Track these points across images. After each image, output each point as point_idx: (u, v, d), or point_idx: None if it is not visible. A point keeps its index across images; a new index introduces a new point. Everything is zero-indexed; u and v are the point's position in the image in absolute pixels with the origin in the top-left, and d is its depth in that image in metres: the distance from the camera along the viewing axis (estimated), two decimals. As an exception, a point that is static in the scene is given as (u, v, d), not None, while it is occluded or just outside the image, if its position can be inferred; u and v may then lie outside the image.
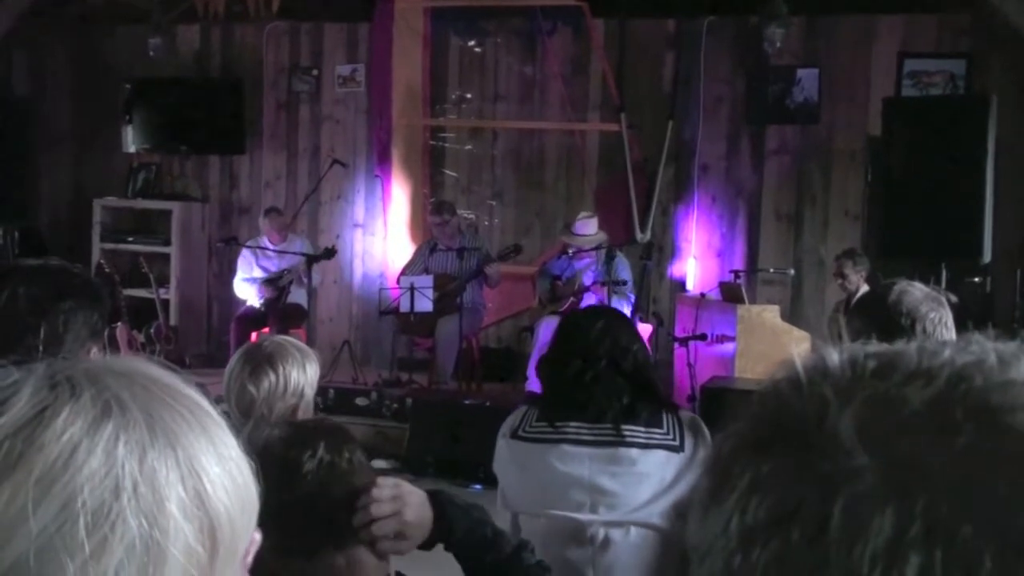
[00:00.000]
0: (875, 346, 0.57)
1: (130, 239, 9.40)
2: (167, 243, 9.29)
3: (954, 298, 3.08)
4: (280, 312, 7.98)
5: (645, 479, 2.55)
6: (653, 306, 8.31)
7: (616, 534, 2.54)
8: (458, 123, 9.02)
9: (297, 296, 8.09)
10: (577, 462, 2.58)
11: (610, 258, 7.19)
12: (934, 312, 2.52)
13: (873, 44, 7.97)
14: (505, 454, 2.71)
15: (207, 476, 0.69)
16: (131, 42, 9.42)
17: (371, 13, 8.95)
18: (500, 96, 8.89)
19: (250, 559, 0.76)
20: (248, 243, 8.43)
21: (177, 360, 8.26)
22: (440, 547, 1.78)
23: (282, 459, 1.64)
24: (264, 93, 9.38)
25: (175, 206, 9.34)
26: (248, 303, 8.25)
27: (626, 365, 2.63)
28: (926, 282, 2.69)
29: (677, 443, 2.58)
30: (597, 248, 7.45)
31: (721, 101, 8.33)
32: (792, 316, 7.60)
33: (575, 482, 2.57)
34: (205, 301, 9.59)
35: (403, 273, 8.01)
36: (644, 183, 8.39)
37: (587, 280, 7.47)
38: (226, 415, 0.77)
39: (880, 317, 2.52)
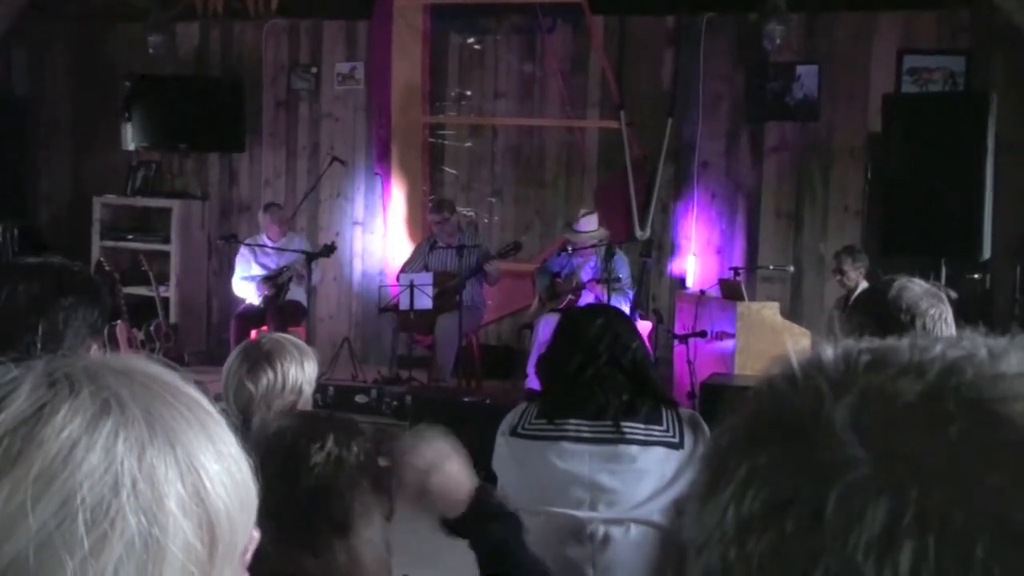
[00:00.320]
0: (868, 341, 0.58)
1: (130, 237, 9.40)
2: (167, 241, 9.29)
3: (954, 294, 3.08)
4: (280, 310, 7.99)
5: (645, 476, 2.56)
6: (653, 303, 8.31)
7: (616, 532, 2.54)
8: (458, 120, 9.02)
9: (297, 294, 8.09)
10: (577, 459, 2.59)
11: (609, 255, 7.20)
12: (934, 308, 2.52)
13: (873, 41, 7.96)
14: (504, 451, 2.71)
15: (206, 473, 0.69)
16: (131, 40, 9.43)
17: (370, 10, 8.95)
18: (500, 93, 8.89)
19: (249, 556, 0.76)
20: (247, 241, 8.43)
21: (176, 358, 8.27)
22: (434, 547, 1.78)
23: (291, 449, 1.63)
24: (263, 91, 9.38)
25: (175, 204, 9.34)
26: (247, 301, 8.25)
27: (626, 362, 2.64)
28: (926, 278, 2.69)
29: (677, 440, 2.59)
30: (597, 245, 7.46)
31: (721, 98, 8.33)
32: (792, 313, 7.60)
33: (575, 479, 2.58)
34: (205, 299, 9.59)
35: (402, 270, 8.01)
36: (644, 180, 8.39)
37: (585, 277, 7.47)
38: (225, 413, 0.77)
39: (880, 313, 2.53)
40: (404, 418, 7.02)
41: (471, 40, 8.90)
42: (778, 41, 7.62)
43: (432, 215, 8.04)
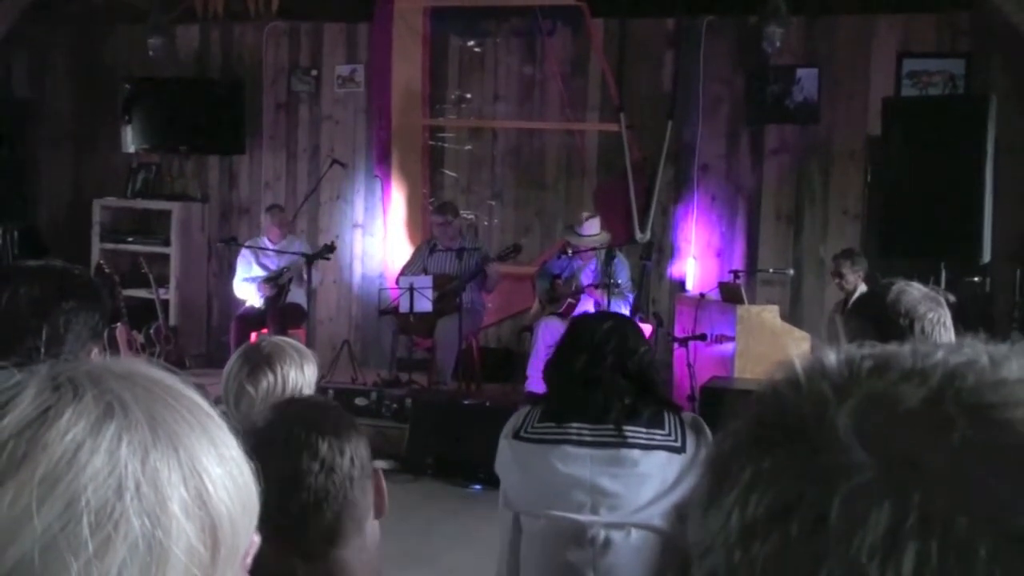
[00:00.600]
0: (871, 347, 0.59)
1: (130, 239, 9.40)
2: (167, 243, 9.30)
3: (952, 298, 3.09)
4: (280, 312, 7.99)
5: (647, 480, 2.56)
6: (652, 306, 8.32)
7: (617, 536, 2.54)
8: (458, 123, 9.02)
9: (297, 296, 8.10)
10: (578, 463, 2.59)
11: (609, 258, 7.20)
12: (932, 312, 2.52)
13: (873, 44, 7.97)
14: (507, 454, 2.72)
15: (209, 476, 0.70)
16: (131, 42, 9.44)
17: (371, 13, 8.96)
18: (500, 96, 8.90)
19: (249, 560, 0.77)
20: (248, 243, 8.44)
21: (177, 360, 8.28)
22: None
23: (283, 454, 1.60)
24: (264, 93, 9.39)
25: (175, 206, 9.34)
26: (248, 303, 8.26)
27: (631, 366, 2.64)
28: (925, 281, 2.70)
29: (679, 444, 2.59)
30: (597, 248, 7.46)
31: (721, 101, 8.34)
32: (791, 316, 7.60)
33: (576, 483, 2.58)
34: (205, 301, 9.59)
35: (402, 273, 8.01)
36: (644, 183, 8.40)
37: (585, 280, 7.48)
38: (225, 416, 0.77)
39: (878, 317, 2.53)
40: (404, 421, 7.03)
41: (471, 43, 8.91)
42: (778, 44, 7.62)
43: (435, 217, 8.04)
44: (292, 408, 1.68)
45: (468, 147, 8.99)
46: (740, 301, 6.89)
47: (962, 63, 7.75)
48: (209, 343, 9.41)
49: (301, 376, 2.59)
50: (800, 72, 8.12)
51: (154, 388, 0.72)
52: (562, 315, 7.38)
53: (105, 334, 2.16)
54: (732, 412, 0.60)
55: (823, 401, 0.55)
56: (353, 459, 1.65)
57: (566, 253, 7.57)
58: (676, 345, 7.06)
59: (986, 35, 7.60)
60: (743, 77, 8.27)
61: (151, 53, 8.85)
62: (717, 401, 5.60)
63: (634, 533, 2.54)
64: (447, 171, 9.03)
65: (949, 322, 2.55)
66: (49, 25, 9.41)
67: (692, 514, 0.59)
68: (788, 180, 8.23)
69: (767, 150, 8.28)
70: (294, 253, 8.03)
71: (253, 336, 7.30)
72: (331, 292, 9.21)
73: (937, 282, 5.71)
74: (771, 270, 7.94)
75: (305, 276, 7.81)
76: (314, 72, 9.28)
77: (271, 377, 2.53)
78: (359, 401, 7.32)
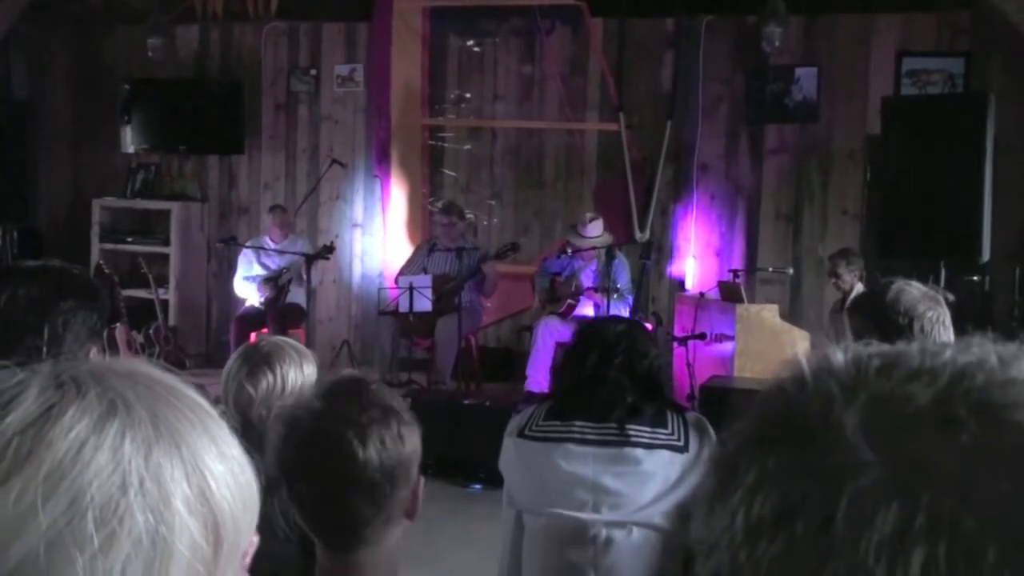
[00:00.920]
0: (878, 346, 0.58)
1: (129, 239, 9.40)
2: (166, 243, 9.29)
3: (951, 297, 3.09)
4: (279, 312, 7.99)
5: (649, 479, 2.56)
6: (652, 305, 8.32)
7: (618, 534, 2.54)
8: (457, 123, 9.02)
9: (296, 296, 8.10)
10: (581, 461, 2.59)
11: (609, 258, 7.20)
12: (931, 311, 2.52)
13: (872, 43, 7.97)
14: (511, 453, 2.72)
15: (211, 474, 0.70)
16: (130, 42, 9.43)
17: (370, 13, 8.95)
18: (499, 96, 8.90)
19: (248, 559, 0.77)
20: (248, 243, 8.44)
21: (176, 360, 8.27)
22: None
23: (330, 450, 1.57)
24: (263, 93, 9.39)
25: (174, 206, 9.34)
26: (248, 302, 8.26)
27: (641, 368, 2.65)
28: (925, 280, 2.70)
29: (682, 443, 2.59)
30: (597, 247, 7.46)
31: (720, 100, 8.34)
32: (791, 315, 7.60)
33: (579, 481, 2.58)
34: (204, 301, 9.58)
35: (401, 273, 8.01)
36: (643, 182, 8.40)
37: (585, 283, 7.48)
38: (225, 415, 0.78)
39: (878, 316, 2.53)
40: (404, 421, 7.01)
41: (470, 42, 8.91)
42: (777, 43, 7.62)
43: (440, 218, 8.03)
44: (344, 401, 1.63)
45: (467, 147, 8.99)
46: (739, 300, 6.88)
47: (961, 62, 7.76)
48: (208, 343, 9.41)
49: (301, 376, 2.59)
50: (799, 71, 8.12)
51: (155, 387, 0.73)
52: (562, 315, 7.38)
53: (104, 334, 2.16)
54: (737, 411, 0.59)
55: (830, 400, 0.55)
56: (398, 456, 1.63)
57: (566, 253, 7.57)
58: (676, 344, 7.06)
59: (985, 34, 7.60)
60: (742, 77, 8.27)
61: (150, 53, 8.84)
62: (717, 400, 5.60)
63: (636, 532, 2.54)
64: (446, 171, 9.03)
65: (948, 321, 2.55)
66: (48, 26, 9.41)
67: (697, 513, 0.59)
68: (787, 179, 8.23)
69: (766, 149, 8.28)
70: (295, 253, 8.03)
71: (253, 336, 7.29)
72: (330, 292, 9.21)
73: (937, 281, 5.71)
74: (770, 269, 7.94)
75: (304, 276, 7.81)
76: (313, 72, 9.28)
77: (270, 377, 2.53)
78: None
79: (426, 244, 8.19)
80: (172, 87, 9.35)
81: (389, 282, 8.36)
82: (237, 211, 9.58)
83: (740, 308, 6.77)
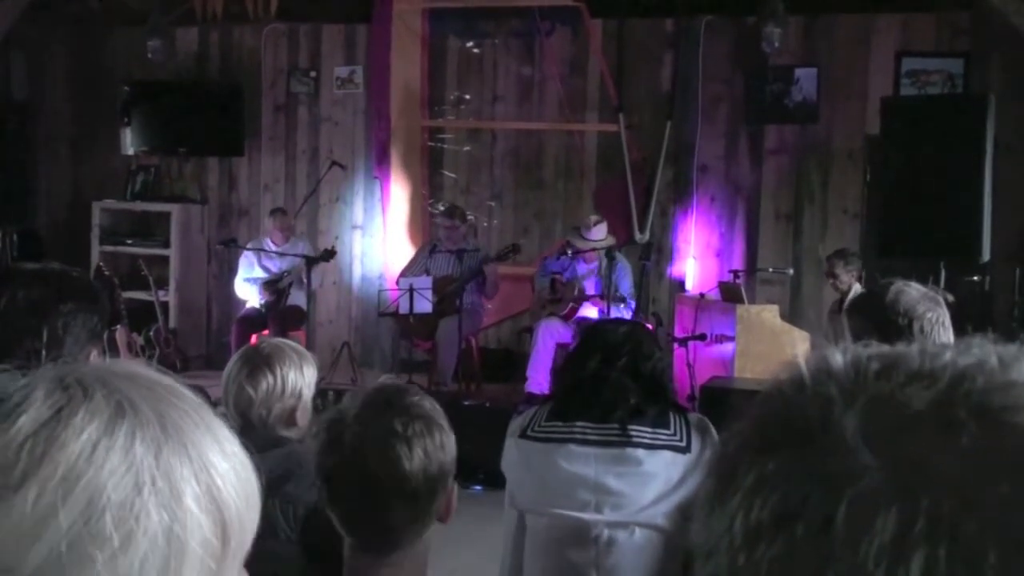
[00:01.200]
0: (878, 348, 0.58)
1: (129, 241, 9.40)
2: (166, 245, 9.29)
3: (951, 297, 3.09)
4: (280, 314, 7.99)
5: (651, 479, 2.56)
6: (652, 306, 8.32)
7: (620, 535, 2.54)
8: (457, 124, 9.02)
9: (297, 298, 8.09)
10: (583, 462, 2.59)
11: (610, 260, 7.19)
12: (931, 312, 2.52)
13: (871, 43, 7.97)
14: (513, 453, 2.73)
15: (216, 471, 0.72)
16: (130, 44, 9.43)
17: (369, 14, 8.95)
18: (499, 97, 8.90)
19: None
20: (248, 245, 8.43)
21: (177, 362, 8.28)
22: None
23: (378, 460, 1.61)
24: (263, 95, 9.39)
25: (174, 208, 9.33)
26: (249, 304, 8.26)
27: (644, 370, 2.65)
28: (925, 281, 2.70)
29: (684, 444, 2.59)
30: (597, 248, 7.45)
31: (720, 101, 8.34)
32: (791, 316, 7.60)
33: (581, 481, 2.58)
34: (204, 303, 9.58)
35: (403, 274, 8.01)
36: (643, 183, 8.40)
37: (588, 289, 7.48)
38: (224, 417, 0.79)
39: (877, 317, 2.53)
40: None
41: (470, 44, 8.91)
42: (777, 44, 7.62)
43: (443, 220, 8.03)
44: (390, 412, 1.66)
45: (467, 148, 8.99)
46: (740, 301, 6.89)
47: (961, 62, 7.76)
48: (209, 345, 9.41)
49: (301, 378, 2.60)
50: (799, 72, 8.12)
51: (156, 388, 0.74)
52: (564, 318, 7.38)
53: (104, 336, 2.16)
54: (737, 412, 0.59)
55: (829, 403, 0.54)
56: (440, 464, 1.67)
57: (566, 254, 7.57)
58: (676, 345, 7.05)
59: (985, 34, 7.60)
60: (742, 77, 8.27)
61: (150, 55, 8.84)
62: (717, 401, 5.60)
63: (638, 532, 2.54)
64: (446, 172, 9.03)
65: (948, 322, 2.55)
66: (48, 27, 9.40)
67: (696, 516, 0.58)
68: (787, 180, 8.23)
69: (766, 150, 8.28)
70: (296, 255, 8.03)
71: (254, 338, 7.30)
72: (331, 294, 9.21)
73: (936, 281, 5.71)
74: (771, 270, 7.94)
75: (305, 280, 7.82)
76: (313, 73, 9.28)
77: (271, 379, 2.54)
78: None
79: (427, 246, 8.19)
80: (172, 89, 9.35)
81: (389, 284, 8.36)
82: (237, 213, 9.58)
83: (740, 309, 6.77)
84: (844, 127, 8.03)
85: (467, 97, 8.97)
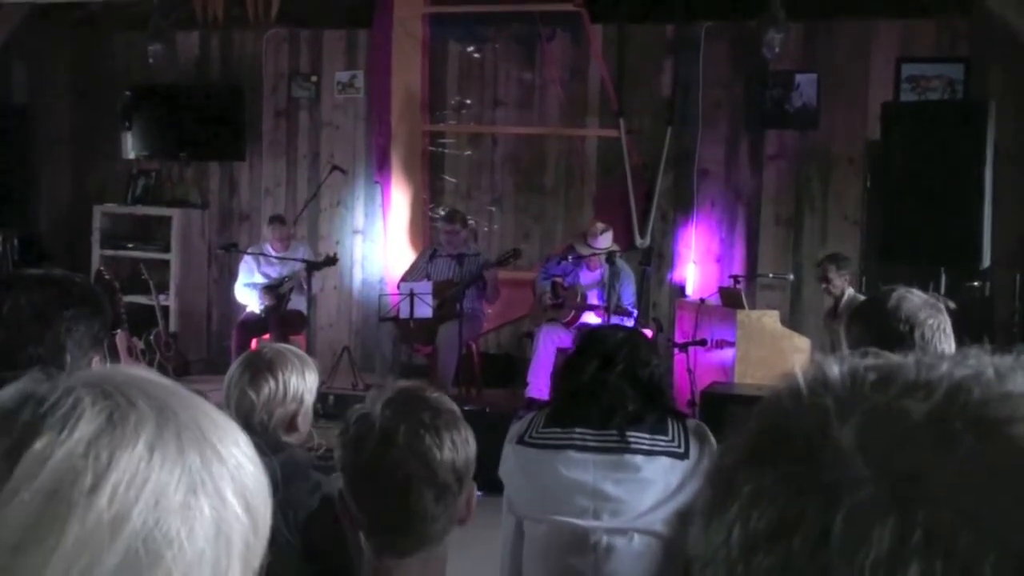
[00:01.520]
0: (874, 358, 0.58)
1: (130, 246, 9.40)
2: (167, 249, 9.30)
3: (952, 304, 3.09)
4: (281, 319, 7.99)
5: (649, 486, 2.56)
6: (653, 311, 8.32)
7: (619, 541, 2.54)
8: (457, 129, 9.03)
9: (297, 303, 8.09)
10: (582, 468, 2.59)
11: (612, 264, 7.19)
12: (932, 319, 2.53)
13: (871, 49, 7.98)
14: (511, 460, 2.72)
15: (243, 470, 0.76)
16: (130, 49, 9.44)
17: (370, 19, 8.96)
18: (499, 102, 8.91)
19: None
20: (249, 250, 8.43)
21: (181, 366, 8.28)
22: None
23: (397, 461, 1.63)
24: (263, 99, 9.40)
25: (175, 212, 9.34)
26: (249, 309, 8.25)
27: (642, 376, 2.65)
28: (925, 287, 2.70)
29: (682, 450, 2.59)
30: (598, 253, 7.45)
31: (720, 106, 8.35)
32: (792, 321, 7.61)
33: (579, 488, 2.58)
34: (205, 308, 9.59)
35: (403, 279, 8.01)
36: (643, 188, 8.41)
37: (590, 299, 7.48)
38: None
39: (879, 324, 2.53)
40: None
41: (471, 49, 8.92)
42: (777, 49, 7.62)
43: (443, 225, 8.04)
44: (415, 407, 1.69)
45: (468, 153, 8.99)
46: (740, 306, 6.89)
47: (961, 68, 7.76)
48: (209, 349, 9.41)
49: (302, 382, 2.60)
50: (799, 77, 8.13)
51: (180, 393, 0.78)
52: (566, 325, 7.38)
53: (105, 341, 2.16)
54: (735, 422, 0.60)
55: (826, 415, 0.54)
56: (466, 457, 1.70)
57: (566, 259, 7.57)
58: (676, 350, 7.06)
59: (985, 40, 7.60)
60: (742, 82, 8.28)
61: (151, 60, 8.85)
62: (717, 406, 5.60)
63: (636, 538, 2.54)
64: (447, 177, 9.04)
65: (949, 328, 2.55)
66: (49, 32, 9.41)
67: (694, 527, 0.59)
68: (787, 185, 8.23)
69: (766, 155, 8.28)
70: (297, 259, 8.03)
71: (254, 342, 7.30)
72: (331, 298, 9.21)
73: (937, 287, 5.71)
74: (771, 275, 7.94)
75: (305, 285, 7.82)
76: (314, 78, 9.29)
77: (272, 383, 2.55)
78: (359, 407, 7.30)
79: (428, 250, 8.19)
80: (173, 93, 9.36)
81: (390, 288, 8.36)
82: (238, 217, 9.59)
83: (741, 314, 6.77)
84: (844, 133, 8.04)
85: (468, 102, 8.98)
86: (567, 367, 2.78)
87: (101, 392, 0.73)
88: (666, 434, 2.61)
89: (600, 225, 7.60)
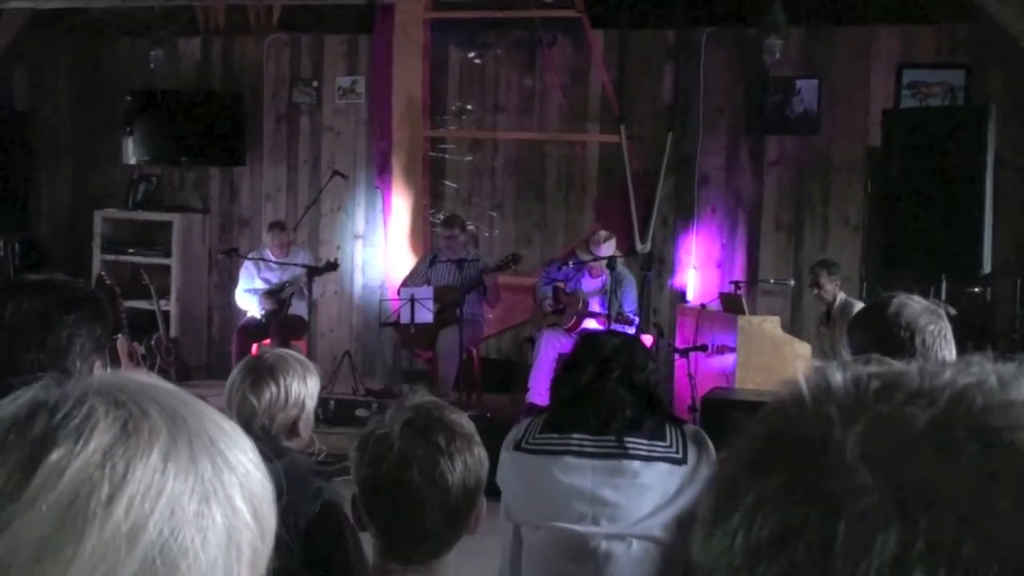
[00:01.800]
0: (877, 366, 0.58)
1: (130, 250, 9.40)
2: (167, 255, 9.30)
3: (952, 311, 3.09)
4: (281, 323, 7.99)
5: (647, 491, 2.55)
6: (653, 317, 8.31)
7: (617, 547, 2.53)
8: (458, 134, 9.03)
9: (298, 308, 8.10)
10: (579, 474, 2.59)
11: (612, 270, 7.19)
12: (933, 325, 2.53)
13: (872, 55, 7.98)
14: (508, 466, 2.72)
15: (251, 477, 0.76)
16: (132, 54, 9.46)
17: (371, 25, 8.97)
18: (500, 107, 8.91)
19: None
20: (249, 255, 8.43)
21: (181, 371, 8.28)
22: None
23: (407, 472, 1.69)
24: (265, 105, 9.40)
25: (175, 217, 9.34)
26: (249, 314, 8.25)
27: (638, 381, 2.65)
28: (926, 293, 2.71)
29: (680, 456, 2.58)
30: (599, 259, 7.45)
31: (721, 112, 8.35)
32: (792, 327, 7.61)
33: (577, 494, 2.57)
34: (205, 313, 9.59)
35: (404, 284, 8.01)
36: (644, 194, 8.41)
37: (592, 307, 7.48)
38: None
39: (879, 330, 2.54)
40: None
41: (472, 54, 8.92)
42: (778, 55, 7.63)
43: (443, 230, 8.04)
44: (431, 429, 1.74)
45: (469, 158, 8.99)
46: (741, 312, 6.89)
47: (962, 74, 7.76)
48: (210, 354, 9.41)
49: (304, 387, 2.60)
50: (800, 83, 8.13)
51: (187, 399, 0.78)
52: (568, 330, 7.37)
53: (106, 346, 2.16)
54: (737, 430, 0.59)
55: (828, 423, 0.54)
56: (477, 478, 1.76)
57: (567, 265, 7.57)
58: (677, 356, 7.05)
59: (986, 46, 7.60)
60: (743, 88, 8.28)
61: (152, 65, 8.86)
62: (718, 412, 5.60)
63: (635, 544, 2.54)
64: (448, 182, 9.04)
65: (950, 335, 2.55)
66: (50, 37, 9.43)
67: (696, 534, 0.59)
68: (788, 191, 8.23)
69: (767, 161, 8.28)
70: (298, 264, 8.03)
71: (255, 348, 7.30)
72: (332, 303, 9.21)
73: (938, 293, 5.71)
74: (772, 281, 7.94)
75: (306, 291, 7.82)
76: (315, 84, 9.29)
77: (274, 388, 2.54)
78: (360, 412, 7.31)
79: (428, 256, 8.20)
80: (174, 98, 9.36)
81: (390, 293, 8.36)
82: (239, 223, 9.59)
83: (742, 320, 6.77)
84: (845, 138, 8.04)
85: (469, 107, 8.99)
86: (563, 372, 2.78)
87: (113, 401, 0.72)
88: (664, 440, 2.61)
89: (604, 233, 7.60)
